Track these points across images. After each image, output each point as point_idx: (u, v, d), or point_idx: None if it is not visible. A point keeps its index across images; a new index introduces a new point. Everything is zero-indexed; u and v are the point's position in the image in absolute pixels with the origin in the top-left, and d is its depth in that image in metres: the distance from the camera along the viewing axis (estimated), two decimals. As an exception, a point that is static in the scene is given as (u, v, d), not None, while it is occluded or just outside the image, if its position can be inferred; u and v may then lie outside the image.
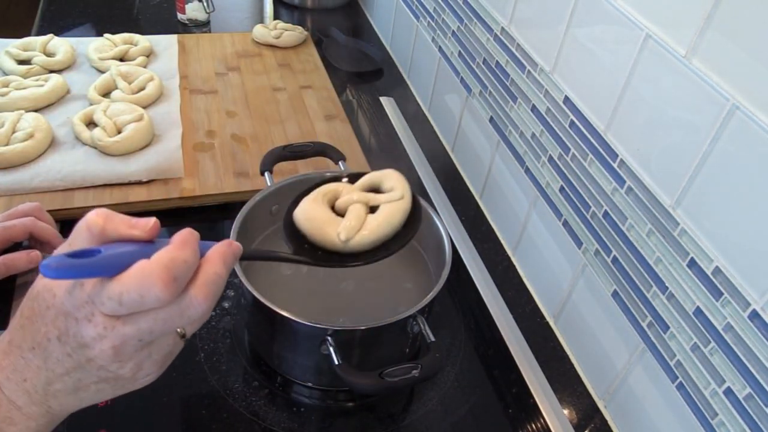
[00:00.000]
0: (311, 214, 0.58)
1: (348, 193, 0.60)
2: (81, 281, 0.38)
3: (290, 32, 1.22)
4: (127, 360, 0.39)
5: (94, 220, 0.39)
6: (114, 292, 0.37)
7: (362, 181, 0.61)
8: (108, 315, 0.38)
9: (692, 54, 0.53)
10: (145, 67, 1.07)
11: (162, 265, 0.37)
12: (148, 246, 0.40)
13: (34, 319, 0.39)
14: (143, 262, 0.38)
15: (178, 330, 0.41)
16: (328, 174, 0.78)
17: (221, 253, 0.43)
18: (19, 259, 0.68)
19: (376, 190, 0.62)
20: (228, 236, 0.66)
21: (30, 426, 0.41)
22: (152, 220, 0.42)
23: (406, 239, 0.59)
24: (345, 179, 0.63)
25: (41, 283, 0.40)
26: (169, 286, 0.37)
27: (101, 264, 0.37)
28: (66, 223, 0.81)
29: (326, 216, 0.58)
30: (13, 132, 0.86)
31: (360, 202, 0.59)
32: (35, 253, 0.69)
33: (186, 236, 0.41)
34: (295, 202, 0.60)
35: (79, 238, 0.39)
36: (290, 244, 0.57)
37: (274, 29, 1.22)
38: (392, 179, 0.61)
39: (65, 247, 0.39)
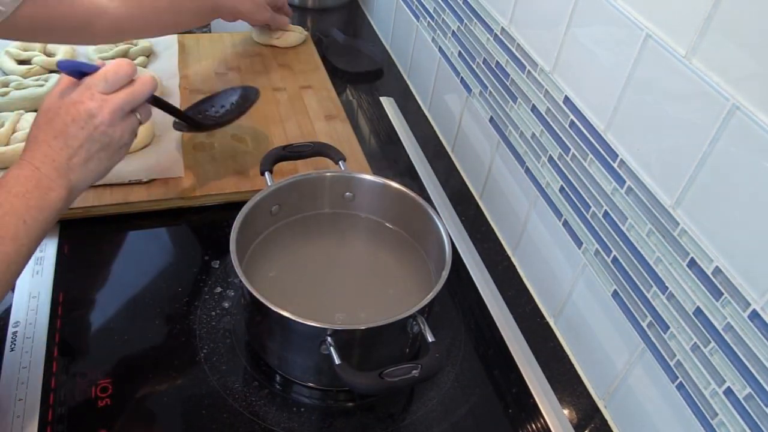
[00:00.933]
0: None
1: None
2: (76, 81, 0.62)
3: (290, 32, 1.22)
4: (118, 125, 0.62)
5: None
6: (101, 75, 0.61)
7: None
8: (102, 92, 0.61)
9: (692, 54, 0.53)
10: (145, 67, 1.08)
11: (120, 61, 0.63)
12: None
13: (51, 118, 0.61)
14: (110, 64, 0.62)
15: (138, 115, 0.64)
16: (328, 173, 0.78)
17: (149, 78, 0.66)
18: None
19: None
20: (229, 237, 0.66)
21: (61, 194, 0.60)
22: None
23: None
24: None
25: (46, 103, 0.62)
26: (131, 66, 0.63)
27: (96, 67, 0.62)
28: (66, 222, 0.81)
29: None
30: (13, 132, 0.86)
31: None
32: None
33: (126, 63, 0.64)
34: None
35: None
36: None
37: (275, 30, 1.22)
38: None
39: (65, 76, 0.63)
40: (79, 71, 0.62)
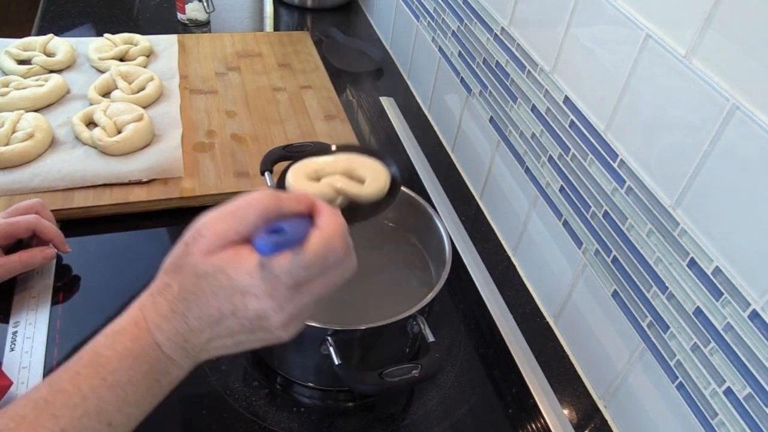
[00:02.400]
0: (305, 185, 0.61)
1: (330, 175, 0.63)
2: (267, 266, 0.41)
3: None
4: (293, 324, 0.44)
5: (269, 201, 0.43)
6: (305, 260, 0.41)
7: (343, 166, 0.63)
8: (290, 286, 0.41)
9: (692, 54, 0.53)
10: (145, 67, 1.07)
11: (337, 228, 0.43)
12: (305, 218, 0.44)
13: (202, 295, 0.42)
14: (319, 230, 0.42)
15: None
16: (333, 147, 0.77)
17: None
18: (35, 256, 0.72)
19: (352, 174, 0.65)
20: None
21: (180, 375, 0.45)
22: (307, 193, 0.46)
23: (390, 201, 0.63)
24: (333, 149, 0.68)
25: (208, 263, 0.42)
26: (346, 245, 0.43)
27: (294, 238, 0.41)
28: (66, 222, 0.81)
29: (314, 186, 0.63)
30: (13, 132, 0.86)
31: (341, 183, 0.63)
32: (50, 251, 0.73)
33: (327, 204, 0.45)
34: (282, 177, 0.63)
35: (252, 215, 0.42)
36: None
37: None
38: (370, 172, 0.63)
39: (234, 222, 0.42)
40: (283, 248, 0.41)
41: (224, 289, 0.42)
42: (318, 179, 0.63)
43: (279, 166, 0.81)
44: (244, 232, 0.42)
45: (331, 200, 0.61)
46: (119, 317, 0.45)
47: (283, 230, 0.41)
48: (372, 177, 0.62)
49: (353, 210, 0.61)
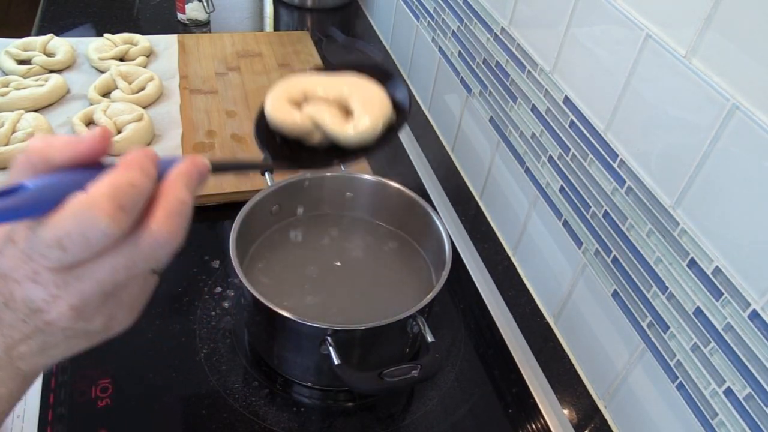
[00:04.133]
0: (285, 112, 0.51)
1: (317, 102, 0.52)
2: (10, 236, 0.31)
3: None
4: (92, 316, 0.34)
5: (33, 145, 0.32)
6: (50, 237, 0.30)
7: (337, 92, 0.52)
8: (55, 269, 0.31)
9: (692, 54, 0.53)
10: (145, 67, 1.08)
11: (102, 193, 0.30)
12: (91, 173, 0.31)
13: None
14: (80, 195, 0.30)
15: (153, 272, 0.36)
16: (328, 173, 0.77)
17: (183, 173, 0.34)
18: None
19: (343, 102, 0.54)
20: (228, 238, 0.66)
21: (1, 392, 0.36)
22: (101, 131, 0.33)
23: (389, 136, 0.52)
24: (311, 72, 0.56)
25: None
26: (115, 217, 0.30)
27: (27, 203, 0.29)
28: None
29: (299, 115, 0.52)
30: (13, 132, 0.86)
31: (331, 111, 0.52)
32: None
33: (133, 156, 0.32)
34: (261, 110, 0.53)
35: (15, 171, 0.32)
36: (266, 147, 0.50)
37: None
38: (365, 105, 0.51)
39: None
40: (15, 216, 0.30)
41: None
42: (301, 104, 0.52)
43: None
44: None
45: (309, 134, 0.51)
46: None
47: (25, 189, 0.30)
48: (364, 113, 0.50)
49: (335, 148, 0.51)
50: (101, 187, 0.30)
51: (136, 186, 0.31)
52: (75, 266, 0.31)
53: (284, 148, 0.51)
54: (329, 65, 0.54)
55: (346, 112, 0.51)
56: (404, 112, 0.52)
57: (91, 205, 0.30)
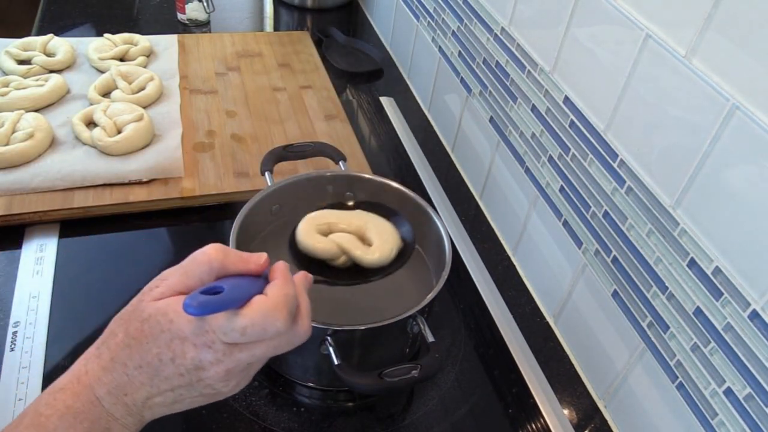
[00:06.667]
0: (316, 239, 0.65)
1: (340, 232, 0.67)
2: (202, 317, 0.42)
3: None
4: (232, 379, 0.44)
5: (215, 255, 0.44)
6: (239, 325, 0.41)
7: (356, 225, 0.67)
8: (228, 343, 0.42)
9: (692, 54, 0.53)
10: (145, 67, 1.07)
11: (280, 301, 0.43)
12: (257, 279, 0.46)
13: (144, 340, 0.42)
14: (262, 298, 0.43)
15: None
16: (328, 173, 0.78)
17: (304, 283, 0.49)
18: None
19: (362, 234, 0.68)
20: (228, 236, 0.66)
21: None
22: (263, 256, 0.46)
23: (405, 259, 0.66)
24: (350, 204, 0.72)
25: (153, 306, 0.43)
26: (287, 320, 0.43)
27: (229, 299, 0.42)
28: (66, 222, 0.81)
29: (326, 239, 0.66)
30: (13, 132, 0.86)
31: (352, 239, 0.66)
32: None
33: (286, 272, 0.46)
34: (296, 226, 0.67)
35: (198, 270, 0.44)
36: (300, 268, 0.62)
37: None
38: (380, 236, 0.66)
39: (182, 276, 0.44)
40: (215, 310, 0.41)
41: (164, 334, 0.42)
42: (328, 234, 0.66)
43: (279, 167, 0.81)
44: (191, 285, 0.43)
45: (336, 257, 0.65)
46: (64, 374, 0.45)
47: (221, 290, 0.42)
48: (380, 242, 0.64)
49: (357, 270, 0.64)
50: (278, 296, 0.43)
51: (294, 297, 0.45)
52: (242, 345, 0.43)
53: (312, 267, 0.64)
54: (346, 204, 0.73)
55: (363, 240, 0.65)
56: (409, 243, 0.67)
57: (275, 308, 0.42)
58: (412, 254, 0.76)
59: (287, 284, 0.45)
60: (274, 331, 0.42)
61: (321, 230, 0.66)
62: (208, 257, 0.44)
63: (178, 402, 0.45)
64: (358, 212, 0.69)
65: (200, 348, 0.42)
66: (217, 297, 0.41)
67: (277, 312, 0.42)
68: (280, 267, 0.46)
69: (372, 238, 0.65)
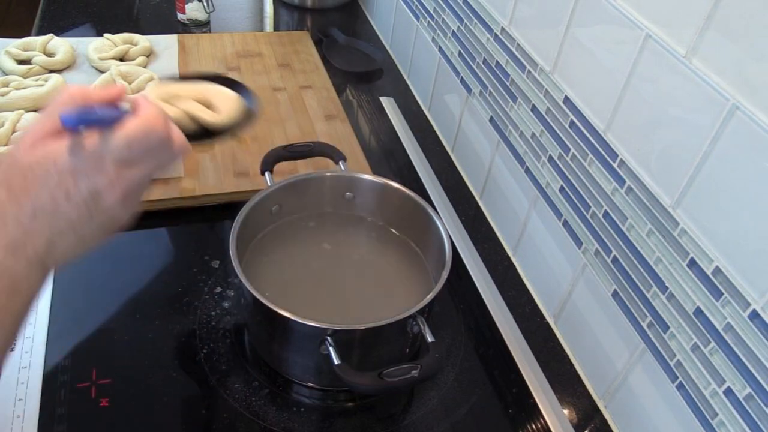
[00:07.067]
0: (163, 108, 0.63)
1: (184, 100, 0.65)
2: (81, 143, 0.42)
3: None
4: (129, 201, 0.45)
5: (75, 90, 0.44)
6: (123, 138, 0.43)
7: (198, 93, 0.65)
8: (116, 162, 0.43)
9: (692, 54, 0.53)
10: (145, 67, 1.08)
11: (152, 113, 0.45)
12: (119, 109, 0.46)
13: (32, 189, 0.42)
14: (136, 115, 0.44)
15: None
16: (328, 173, 0.78)
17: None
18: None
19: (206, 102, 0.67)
20: (229, 237, 0.66)
21: (33, 287, 0.44)
22: (121, 86, 0.51)
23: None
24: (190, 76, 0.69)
25: (31, 155, 0.42)
26: (165, 126, 0.45)
27: (104, 114, 0.43)
28: (66, 223, 0.81)
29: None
30: (13, 132, 0.86)
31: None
32: None
33: (146, 99, 0.47)
34: None
35: (63, 107, 0.43)
36: None
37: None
38: (224, 102, 0.65)
39: (49, 117, 0.43)
40: (91, 122, 0.43)
41: (52, 175, 0.42)
42: (172, 104, 0.65)
43: (279, 166, 0.81)
44: (59, 123, 0.43)
45: (184, 124, 0.62)
46: None
47: (93, 111, 0.43)
48: (225, 107, 0.64)
49: (203, 135, 0.64)
50: (149, 110, 0.45)
51: (161, 110, 0.46)
52: (131, 163, 0.44)
53: None
54: (192, 75, 0.71)
55: (209, 107, 0.64)
56: (252, 113, 0.65)
57: (151, 118, 0.44)
58: (411, 252, 0.76)
59: (152, 104, 0.46)
60: (157, 138, 0.44)
61: (165, 101, 0.65)
62: (68, 92, 0.44)
63: (81, 242, 0.45)
64: (202, 83, 0.68)
65: (92, 174, 0.43)
66: (92, 108, 0.43)
67: (154, 121, 0.44)
68: (139, 97, 0.47)
69: (217, 104, 0.65)
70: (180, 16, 1.28)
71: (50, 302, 0.72)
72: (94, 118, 0.43)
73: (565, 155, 0.72)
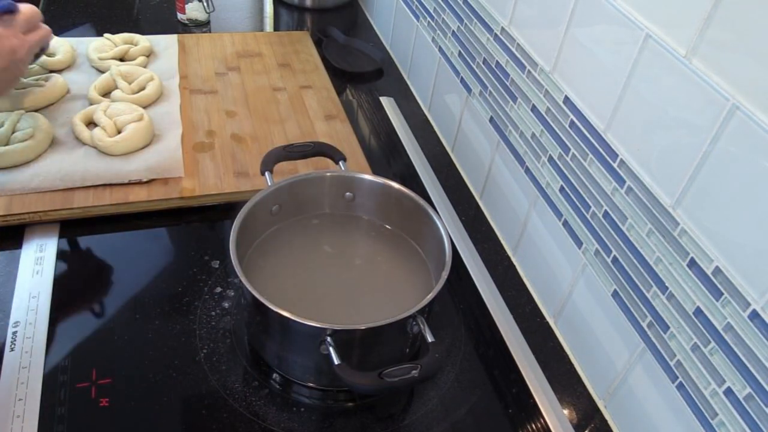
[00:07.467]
0: None
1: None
2: (3, 19, 0.72)
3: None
4: (26, 57, 0.76)
5: None
6: (24, 13, 0.75)
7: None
8: (22, 30, 0.74)
9: (692, 54, 0.53)
10: (145, 67, 1.07)
11: (32, 5, 0.76)
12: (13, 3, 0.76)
13: None
14: (22, 6, 0.76)
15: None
16: (328, 173, 0.78)
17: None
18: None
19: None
20: (228, 237, 0.66)
21: None
22: None
23: None
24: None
25: None
26: (40, 13, 0.78)
27: (11, 6, 0.74)
28: (66, 222, 0.81)
29: None
30: (13, 132, 0.86)
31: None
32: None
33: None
34: None
35: None
36: None
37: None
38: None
39: None
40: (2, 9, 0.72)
41: None
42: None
43: (279, 166, 0.81)
44: None
45: None
46: None
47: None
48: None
49: None
50: (31, 5, 0.77)
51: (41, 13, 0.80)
52: (28, 31, 0.76)
53: None
54: None
55: None
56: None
57: (33, 7, 0.77)
58: (411, 252, 0.76)
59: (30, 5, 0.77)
60: (39, 16, 0.77)
61: None
62: None
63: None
64: None
65: (11, 38, 0.72)
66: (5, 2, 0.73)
67: (34, 8, 0.77)
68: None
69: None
70: (180, 16, 1.28)
71: (50, 302, 0.72)
72: (7, 6, 0.73)
73: (565, 155, 0.72)
